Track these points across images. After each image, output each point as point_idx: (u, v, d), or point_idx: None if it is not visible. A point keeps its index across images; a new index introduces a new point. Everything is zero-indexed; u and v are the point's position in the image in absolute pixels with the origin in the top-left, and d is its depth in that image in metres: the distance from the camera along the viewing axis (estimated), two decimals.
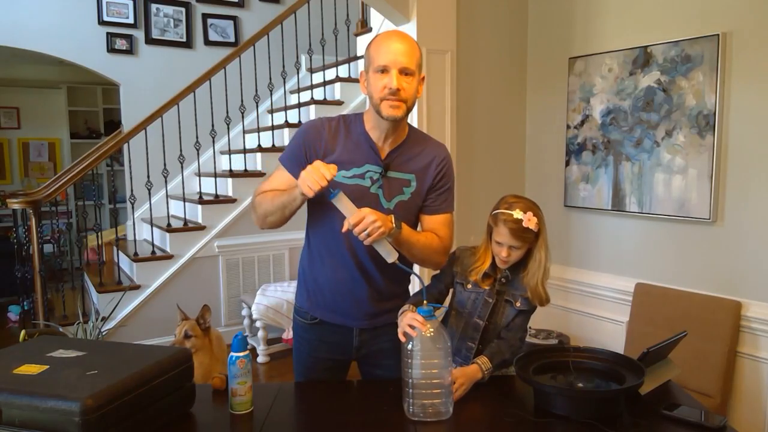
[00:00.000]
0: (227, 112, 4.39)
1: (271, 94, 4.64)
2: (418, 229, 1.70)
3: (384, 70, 1.50)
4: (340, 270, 1.64)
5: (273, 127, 4.65)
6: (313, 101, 4.67)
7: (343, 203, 1.45)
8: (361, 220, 1.41)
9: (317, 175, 1.42)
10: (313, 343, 1.74)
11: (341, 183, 1.56)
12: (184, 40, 5.27)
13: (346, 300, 1.66)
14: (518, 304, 1.72)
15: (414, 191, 1.62)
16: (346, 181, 1.57)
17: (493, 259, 1.74)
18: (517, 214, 1.63)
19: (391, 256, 1.48)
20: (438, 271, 1.83)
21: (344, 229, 1.44)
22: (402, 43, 1.52)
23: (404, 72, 1.50)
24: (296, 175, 1.51)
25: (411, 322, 1.43)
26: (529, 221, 1.63)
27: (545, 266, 1.69)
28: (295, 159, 1.61)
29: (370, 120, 1.61)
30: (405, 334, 1.44)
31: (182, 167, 4.29)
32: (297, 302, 1.78)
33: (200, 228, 4.24)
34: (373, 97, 1.54)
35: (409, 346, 1.41)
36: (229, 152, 4.52)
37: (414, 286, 1.91)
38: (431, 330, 1.41)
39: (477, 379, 1.60)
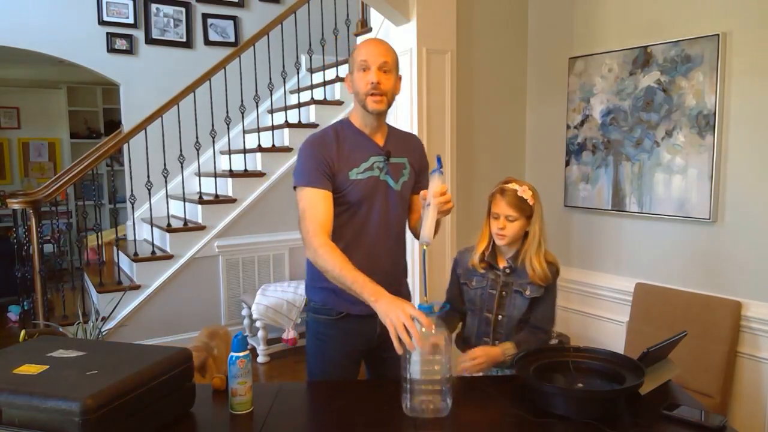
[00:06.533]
0: (227, 112, 4.39)
1: (271, 94, 4.64)
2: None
3: (365, 68, 1.69)
4: (365, 262, 1.67)
5: (273, 127, 4.65)
6: (313, 101, 4.67)
7: (437, 180, 1.55)
8: (445, 192, 1.55)
9: (414, 332, 1.37)
10: (338, 338, 1.81)
11: (357, 180, 1.72)
12: (184, 40, 5.27)
13: None
14: (528, 293, 1.77)
15: (409, 172, 1.83)
16: (361, 176, 1.73)
17: (494, 248, 1.82)
18: (513, 185, 1.79)
19: (430, 237, 1.56)
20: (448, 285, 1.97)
21: (426, 199, 1.55)
22: (380, 44, 1.74)
23: (383, 69, 1.69)
24: (325, 186, 1.68)
25: (413, 312, 1.40)
26: (524, 192, 1.77)
27: (539, 239, 1.78)
28: (319, 170, 1.69)
29: (357, 119, 1.78)
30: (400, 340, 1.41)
31: (182, 167, 4.29)
32: (317, 302, 1.83)
33: (200, 228, 4.24)
34: (359, 94, 1.72)
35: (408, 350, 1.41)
36: (229, 152, 4.52)
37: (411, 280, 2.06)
38: (432, 326, 1.41)
39: (497, 361, 1.67)
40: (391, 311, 1.42)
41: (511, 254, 1.84)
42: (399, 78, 1.77)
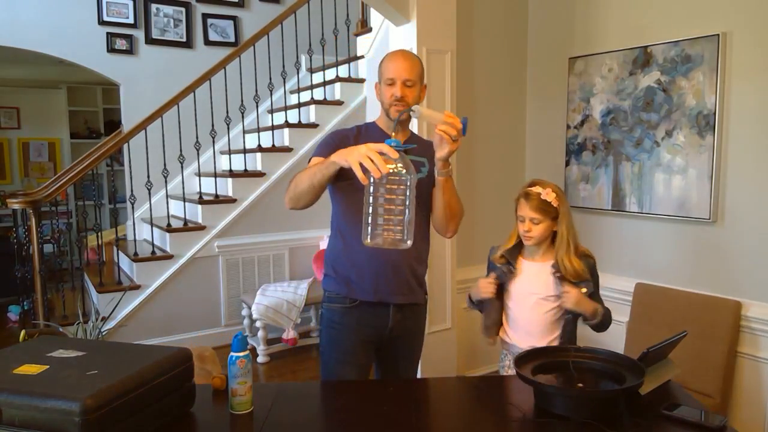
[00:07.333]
0: (227, 112, 4.39)
1: (271, 94, 4.64)
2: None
3: (391, 83, 1.84)
4: (373, 249, 1.69)
5: (273, 127, 4.65)
6: (313, 101, 4.67)
7: (426, 114, 1.65)
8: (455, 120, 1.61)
9: (378, 159, 1.44)
10: (352, 326, 1.88)
11: None
12: (184, 40, 5.26)
13: (388, 276, 1.85)
14: None
15: (428, 170, 1.89)
16: None
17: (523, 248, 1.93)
18: (536, 189, 1.85)
19: (422, 109, 1.66)
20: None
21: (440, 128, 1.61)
22: (405, 60, 1.87)
23: (406, 84, 1.83)
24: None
25: (382, 149, 1.45)
26: (547, 195, 1.83)
27: (567, 240, 1.87)
28: (328, 148, 1.81)
29: (382, 122, 1.95)
30: (363, 168, 1.45)
31: (182, 167, 4.29)
32: (332, 291, 1.92)
33: (200, 228, 4.24)
34: (384, 103, 1.88)
35: (372, 177, 1.43)
36: (229, 152, 4.52)
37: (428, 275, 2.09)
38: (398, 160, 1.44)
39: (583, 308, 1.86)
40: (353, 150, 1.51)
41: (540, 256, 1.96)
42: (424, 87, 1.92)
